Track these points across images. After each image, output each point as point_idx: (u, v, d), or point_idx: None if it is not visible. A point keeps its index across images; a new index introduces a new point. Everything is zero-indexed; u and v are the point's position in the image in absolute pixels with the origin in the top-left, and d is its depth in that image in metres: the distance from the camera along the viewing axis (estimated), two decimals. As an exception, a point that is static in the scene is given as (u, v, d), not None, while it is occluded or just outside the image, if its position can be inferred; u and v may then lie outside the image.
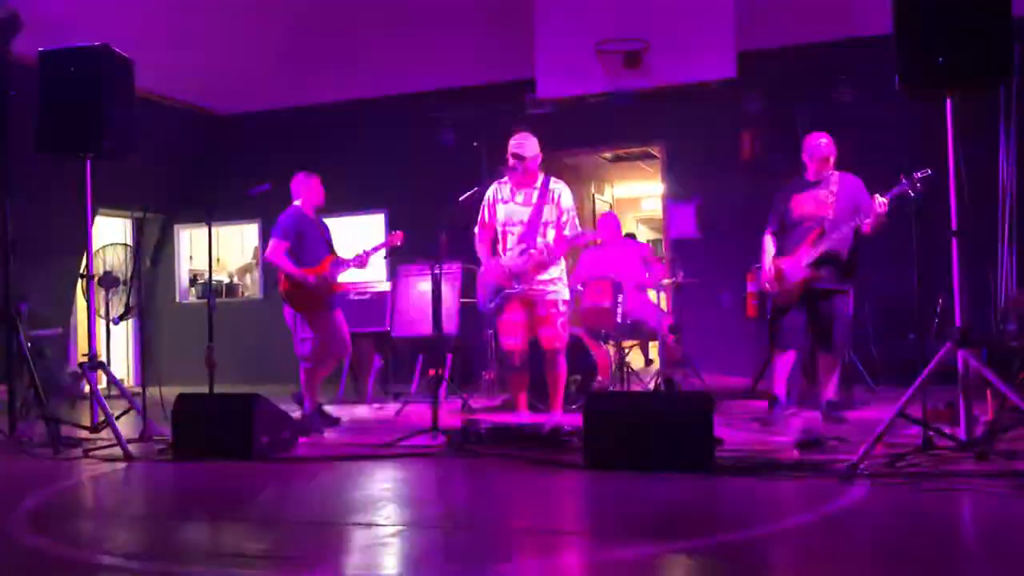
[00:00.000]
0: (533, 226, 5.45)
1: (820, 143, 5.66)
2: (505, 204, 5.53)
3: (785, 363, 5.71)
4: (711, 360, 7.38)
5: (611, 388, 6.40)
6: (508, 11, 8.44)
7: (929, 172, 4.79)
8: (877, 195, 5.28)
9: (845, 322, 5.65)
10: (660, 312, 7.22)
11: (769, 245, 5.81)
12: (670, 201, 8.98)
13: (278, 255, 6.10)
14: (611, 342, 6.74)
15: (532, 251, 5.37)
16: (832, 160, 5.66)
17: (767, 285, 5.74)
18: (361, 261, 6.24)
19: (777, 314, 5.71)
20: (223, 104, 10.28)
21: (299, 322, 6.23)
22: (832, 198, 5.56)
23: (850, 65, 7.91)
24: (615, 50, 7.93)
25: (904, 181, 4.84)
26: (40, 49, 5.50)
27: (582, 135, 9.27)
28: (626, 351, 6.68)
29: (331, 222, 6.73)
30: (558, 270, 5.51)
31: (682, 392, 6.18)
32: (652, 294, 7.92)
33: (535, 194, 5.49)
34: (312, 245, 6.22)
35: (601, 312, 6.55)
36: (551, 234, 5.46)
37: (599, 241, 5.75)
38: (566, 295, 5.57)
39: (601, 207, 12.23)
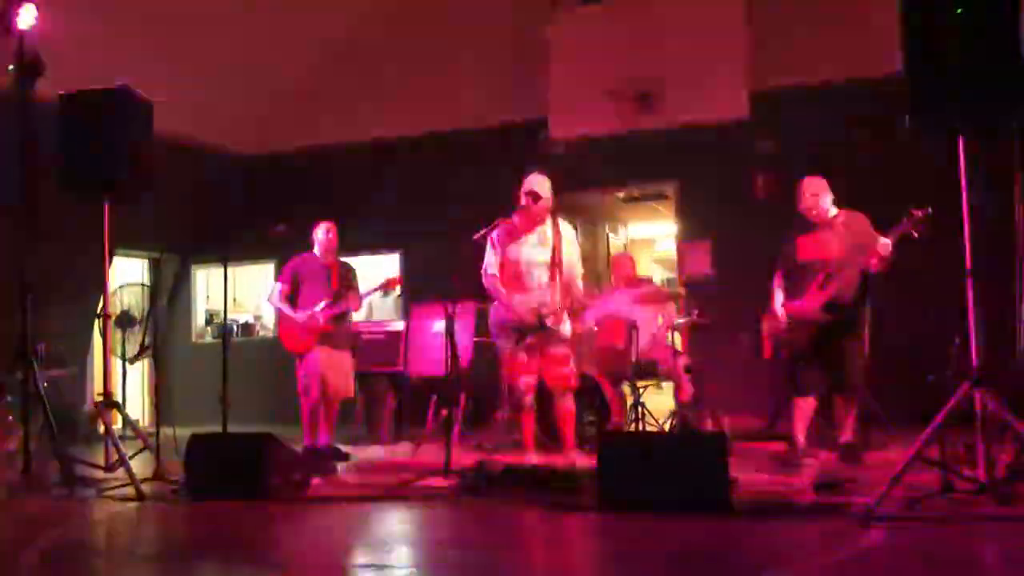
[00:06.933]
0: (557, 265, 5.55)
1: (804, 187, 5.64)
2: (519, 244, 5.56)
3: (806, 408, 5.65)
4: (726, 400, 7.33)
5: (625, 428, 6.35)
6: (522, 52, 8.53)
7: (929, 210, 4.79)
8: (880, 237, 5.26)
9: (859, 363, 5.59)
10: (675, 352, 7.18)
11: (778, 292, 5.79)
12: (684, 241, 8.98)
13: (272, 297, 6.75)
14: (626, 382, 6.70)
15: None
16: (821, 199, 5.61)
17: (780, 332, 5.71)
18: (351, 304, 6.61)
19: (796, 361, 5.66)
20: (240, 145, 10.39)
21: (296, 361, 6.59)
22: (838, 240, 5.53)
23: (863, 104, 7.92)
24: (628, 90, 8.00)
25: (905, 221, 4.85)
26: (60, 92, 5.58)
27: (595, 175, 9.29)
28: (640, 391, 6.63)
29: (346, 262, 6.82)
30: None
31: (697, 433, 6.12)
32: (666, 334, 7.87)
33: (548, 233, 5.54)
34: (310, 290, 6.59)
35: (615, 352, 6.52)
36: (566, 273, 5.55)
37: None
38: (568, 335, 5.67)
39: (616, 247, 12.22)
